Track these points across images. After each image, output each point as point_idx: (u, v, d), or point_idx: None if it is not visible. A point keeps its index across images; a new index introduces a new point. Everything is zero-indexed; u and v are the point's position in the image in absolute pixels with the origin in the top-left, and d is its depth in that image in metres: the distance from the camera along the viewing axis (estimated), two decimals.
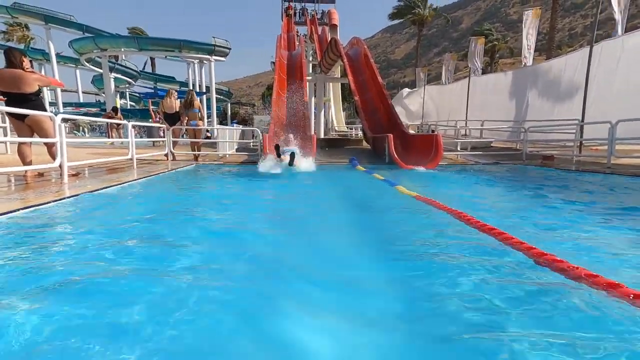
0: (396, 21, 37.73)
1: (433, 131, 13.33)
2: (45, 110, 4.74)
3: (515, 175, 6.55)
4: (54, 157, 4.55)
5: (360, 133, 20.61)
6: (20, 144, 4.55)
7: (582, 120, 8.21)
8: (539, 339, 1.18)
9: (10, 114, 4.46)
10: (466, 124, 13.75)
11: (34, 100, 4.55)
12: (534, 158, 8.87)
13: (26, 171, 4.47)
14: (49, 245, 2.19)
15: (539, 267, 1.79)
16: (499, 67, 36.16)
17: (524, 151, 8.82)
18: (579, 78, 9.71)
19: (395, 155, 8.15)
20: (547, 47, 24.27)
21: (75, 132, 25.60)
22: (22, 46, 31.63)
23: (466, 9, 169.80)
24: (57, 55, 23.96)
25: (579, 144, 8.65)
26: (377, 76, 12.30)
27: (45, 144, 4.64)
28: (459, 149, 10.01)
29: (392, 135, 8.61)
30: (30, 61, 4.90)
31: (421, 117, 18.97)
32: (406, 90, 23.74)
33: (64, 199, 3.36)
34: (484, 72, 18.61)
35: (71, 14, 22.74)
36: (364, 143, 13.48)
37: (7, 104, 4.41)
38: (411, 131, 12.55)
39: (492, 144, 11.95)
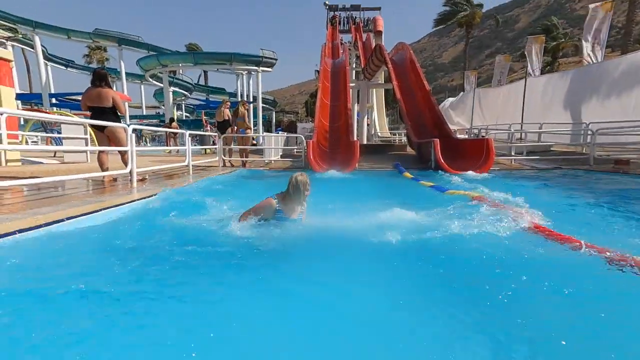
0: (443, 26, 36.13)
1: (483, 136, 12.67)
2: (119, 122, 5.35)
3: (587, 182, 5.91)
4: (126, 163, 5.10)
5: (403, 139, 20.20)
6: (99, 152, 5.18)
7: None
8: None
9: (92, 125, 5.10)
10: (522, 127, 12.83)
11: (111, 114, 5.18)
12: (604, 163, 8.04)
13: (104, 176, 5.07)
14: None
15: None
16: (561, 67, 32.72)
17: (592, 155, 8.02)
18: None
19: (442, 161, 7.90)
20: (623, 42, 21.86)
21: (139, 142, 28.23)
22: (99, 66, 35.76)
23: (523, 7, 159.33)
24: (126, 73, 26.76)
25: None
26: (423, 80, 12.04)
27: (120, 151, 5.21)
28: (513, 153, 9.39)
29: (438, 140, 8.37)
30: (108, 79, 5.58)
31: (470, 121, 18.10)
32: (450, 100, 22.92)
33: (136, 200, 3.78)
34: (543, 72, 17.23)
35: (139, 35, 25.34)
36: (408, 149, 13.20)
37: (92, 117, 5.08)
38: (459, 136, 12.02)
39: (552, 148, 11.03)
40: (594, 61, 11.98)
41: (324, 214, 3.34)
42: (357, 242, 2.53)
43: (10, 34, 15.16)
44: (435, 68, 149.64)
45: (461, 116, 20.78)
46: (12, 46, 22.56)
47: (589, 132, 8.80)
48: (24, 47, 25.43)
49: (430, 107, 11.26)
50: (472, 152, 8.26)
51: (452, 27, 36.48)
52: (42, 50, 23.75)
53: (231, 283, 1.87)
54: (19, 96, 21.00)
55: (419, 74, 12.38)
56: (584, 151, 9.74)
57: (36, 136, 9.76)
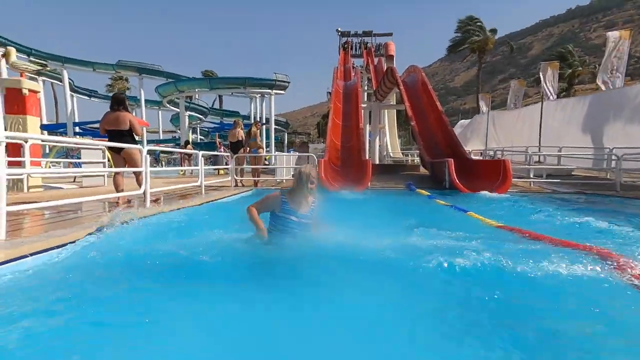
0: (455, 52, 36.31)
1: (498, 157, 12.45)
2: (136, 144, 5.47)
3: (624, 208, 5.48)
4: (140, 184, 5.16)
5: (416, 159, 20.07)
6: (115, 174, 5.27)
7: None
8: None
9: (110, 148, 5.22)
10: (539, 149, 12.55)
11: (127, 136, 5.31)
12: (631, 189, 7.64)
13: (119, 198, 5.13)
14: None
15: None
16: (578, 94, 32.09)
17: (618, 181, 7.61)
18: None
19: (457, 181, 7.74)
20: None
21: (155, 165, 28.99)
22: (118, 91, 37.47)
23: (536, 34, 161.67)
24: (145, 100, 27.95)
25: None
26: (435, 102, 12.06)
27: (135, 173, 5.29)
28: (531, 175, 9.11)
29: (452, 160, 8.24)
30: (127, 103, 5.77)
31: (484, 143, 17.90)
32: (463, 122, 22.88)
33: (146, 217, 3.79)
34: (558, 98, 17.06)
35: (159, 64, 26.65)
36: (421, 169, 13.06)
37: (109, 140, 5.22)
38: (474, 157, 11.83)
39: (573, 172, 10.69)
40: (612, 87, 11.79)
41: (338, 233, 3.19)
42: (380, 265, 2.34)
43: (39, 68, 16.29)
44: (447, 91, 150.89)
45: (475, 138, 20.60)
46: (43, 81, 24.01)
47: (614, 158, 8.47)
48: (53, 81, 26.97)
49: (444, 128, 11.19)
50: (487, 173, 8.08)
51: (465, 52, 36.73)
52: (69, 83, 25.10)
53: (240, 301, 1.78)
54: (45, 127, 22.08)
55: (431, 95, 12.42)
56: (607, 176, 9.39)
57: (58, 162, 10.13)
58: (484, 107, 22.41)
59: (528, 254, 2.38)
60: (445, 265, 2.21)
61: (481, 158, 14.08)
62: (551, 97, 14.83)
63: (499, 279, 2.08)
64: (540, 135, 13.08)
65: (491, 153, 14.71)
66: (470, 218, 4.23)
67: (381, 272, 2.23)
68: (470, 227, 3.78)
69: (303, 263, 2.46)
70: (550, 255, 2.31)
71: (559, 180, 8.86)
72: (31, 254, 2.30)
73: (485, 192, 6.91)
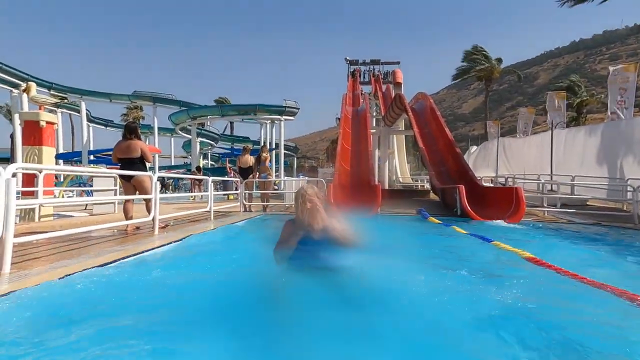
0: (461, 79, 36.88)
1: (510, 184, 12.23)
2: (146, 170, 5.54)
3: None
4: (149, 211, 5.17)
5: (426, 184, 19.88)
6: (125, 201, 5.31)
7: None
8: None
9: (120, 175, 5.29)
10: (551, 178, 12.29)
11: (138, 164, 5.39)
12: None
13: (127, 225, 5.13)
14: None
15: None
16: (588, 122, 31.90)
17: (636, 213, 7.32)
18: None
19: (468, 208, 7.57)
20: None
21: (164, 190, 29.41)
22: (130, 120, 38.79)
23: (542, 65, 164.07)
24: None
25: None
26: (444, 128, 12.09)
27: (145, 200, 5.32)
28: (545, 204, 8.87)
29: (463, 186, 8.10)
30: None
31: (494, 170, 17.73)
32: (473, 148, 22.82)
33: (153, 249, 3.74)
34: (568, 126, 16.97)
35: (172, 93, 27.63)
36: (431, 195, 12.89)
37: (121, 168, 5.30)
38: (485, 184, 11.65)
39: (587, 203, 10.39)
40: (623, 117, 11.70)
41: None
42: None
43: (58, 101, 17.15)
44: (455, 118, 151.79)
45: (485, 165, 20.42)
46: (62, 112, 25.12)
47: (629, 189, 8.20)
48: (71, 112, 28.19)
49: (454, 154, 11.13)
50: (499, 201, 7.90)
51: (472, 80, 37.21)
52: (87, 114, 26.17)
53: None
54: (61, 155, 22.83)
55: (440, 121, 12.48)
56: (624, 208, 9.09)
57: (72, 191, 10.35)
58: (493, 133, 22.40)
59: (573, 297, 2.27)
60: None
61: (492, 185, 13.85)
62: (562, 125, 14.74)
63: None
64: (551, 163, 12.86)
65: (502, 180, 14.48)
66: (497, 248, 3.95)
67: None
68: (500, 259, 3.61)
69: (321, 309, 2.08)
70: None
71: (574, 210, 8.58)
72: (34, 286, 2.26)
73: (499, 221, 6.71)
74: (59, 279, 2.47)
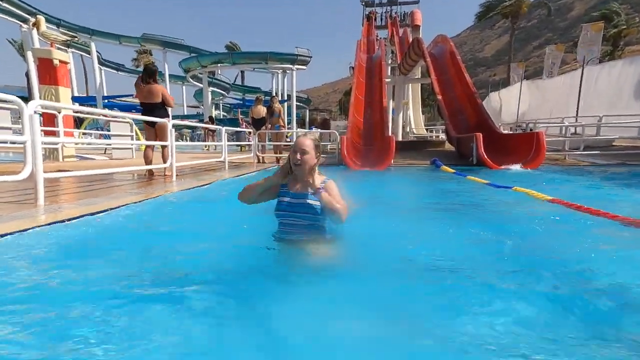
0: (486, 18, 33.62)
1: (531, 129, 11.78)
2: (168, 116, 5.53)
3: None
4: (165, 159, 5.27)
5: (441, 135, 19.42)
6: (146, 147, 5.39)
7: None
8: None
9: (144, 122, 5.31)
10: (576, 120, 11.63)
11: (161, 109, 5.37)
12: None
13: (147, 170, 5.29)
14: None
15: None
16: (624, 56, 29.02)
17: None
18: None
19: (485, 155, 7.43)
20: None
21: (180, 140, 29.80)
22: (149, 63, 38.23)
23: None
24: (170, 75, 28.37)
25: None
26: (464, 73, 11.45)
27: (161, 146, 5.39)
28: (567, 148, 8.56)
29: (480, 134, 7.89)
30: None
31: (515, 116, 16.94)
32: (493, 94, 21.61)
33: (173, 192, 3.90)
34: (601, 62, 15.55)
35: (182, 37, 26.73)
36: (447, 145, 12.64)
37: (143, 113, 5.29)
38: (504, 131, 11.26)
39: (614, 143, 9.92)
40: None
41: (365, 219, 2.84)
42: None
43: (69, 39, 16.82)
44: (475, 62, 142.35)
45: (506, 112, 19.54)
46: (72, 53, 24.77)
47: None
48: (82, 53, 27.76)
49: (472, 101, 10.68)
50: (519, 148, 7.70)
51: (497, 18, 34.16)
52: (97, 56, 25.76)
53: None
54: (75, 99, 22.94)
55: (460, 67, 11.78)
56: None
57: (90, 134, 10.59)
58: (515, 78, 21.10)
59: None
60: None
61: (512, 132, 13.37)
62: (594, 61, 13.57)
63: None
64: (578, 104, 12.07)
65: (523, 126, 13.93)
66: (518, 194, 3.80)
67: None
68: (523, 205, 3.45)
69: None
70: None
71: (598, 152, 8.26)
72: (68, 220, 2.43)
73: (516, 167, 6.59)
74: (90, 214, 2.64)
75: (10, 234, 2.08)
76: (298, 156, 1.91)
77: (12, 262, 1.76)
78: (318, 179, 1.99)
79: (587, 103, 12.35)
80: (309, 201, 1.96)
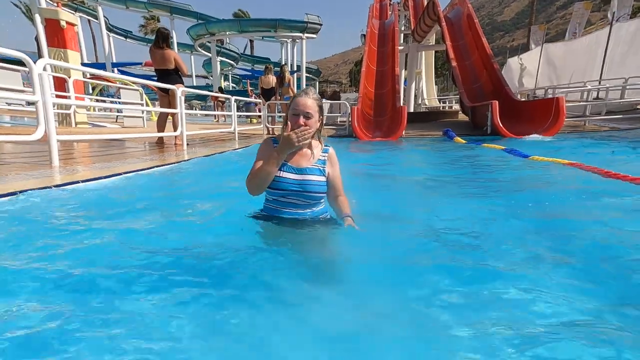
0: None
1: (550, 95, 11.23)
2: (182, 83, 5.46)
3: None
4: (176, 127, 5.26)
5: (455, 105, 18.82)
6: (161, 114, 5.34)
7: None
8: None
9: (159, 88, 5.19)
10: (599, 83, 10.92)
11: (174, 75, 5.27)
12: None
13: (158, 138, 5.32)
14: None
15: None
16: None
17: None
18: None
19: (500, 124, 7.21)
20: None
21: (190, 111, 29.76)
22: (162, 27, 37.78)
23: None
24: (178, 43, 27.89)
25: None
26: (481, 38, 10.87)
27: (171, 114, 5.35)
28: (587, 113, 8.17)
29: (496, 102, 7.60)
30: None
31: (534, 84, 16.16)
32: (511, 60, 20.47)
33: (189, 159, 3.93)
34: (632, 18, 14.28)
35: (189, 4, 26.00)
36: (460, 116, 12.28)
37: (158, 80, 5.21)
38: (522, 98, 10.80)
39: (638, 106, 9.39)
40: None
41: (376, 194, 2.77)
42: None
43: None
44: (493, 27, 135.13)
45: (525, 78, 18.63)
46: (80, 17, 24.50)
47: None
48: (89, 18, 27.39)
49: (489, 67, 10.21)
50: (537, 115, 7.42)
51: None
52: (105, 21, 25.43)
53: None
54: (85, 65, 22.91)
55: (478, 31, 11.17)
56: None
57: (104, 101, 10.73)
58: (533, 44, 19.93)
59: None
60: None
61: (530, 99, 12.80)
62: (625, 17, 12.46)
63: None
64: (603, 66, 11.32)
65: (541, 92, 13.29)
66: (535, 162, 3.74)
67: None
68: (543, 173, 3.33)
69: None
70: None
71: (620, 116, 7.86)
72: (83, 181, 2.48)
73: (534, 136, 6.38)
74: (105, 177, 2.69)
75: (26, 190, 2.11)
76: (302, 121, 1.54)
77: (29, 217, 1.82)
78: (318, 147, 1.71)
79: (614, 65, 11.57)
80: (313, 177, 1.62)
